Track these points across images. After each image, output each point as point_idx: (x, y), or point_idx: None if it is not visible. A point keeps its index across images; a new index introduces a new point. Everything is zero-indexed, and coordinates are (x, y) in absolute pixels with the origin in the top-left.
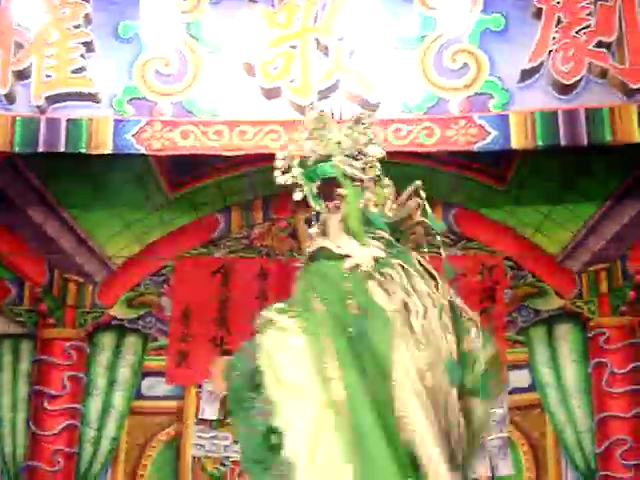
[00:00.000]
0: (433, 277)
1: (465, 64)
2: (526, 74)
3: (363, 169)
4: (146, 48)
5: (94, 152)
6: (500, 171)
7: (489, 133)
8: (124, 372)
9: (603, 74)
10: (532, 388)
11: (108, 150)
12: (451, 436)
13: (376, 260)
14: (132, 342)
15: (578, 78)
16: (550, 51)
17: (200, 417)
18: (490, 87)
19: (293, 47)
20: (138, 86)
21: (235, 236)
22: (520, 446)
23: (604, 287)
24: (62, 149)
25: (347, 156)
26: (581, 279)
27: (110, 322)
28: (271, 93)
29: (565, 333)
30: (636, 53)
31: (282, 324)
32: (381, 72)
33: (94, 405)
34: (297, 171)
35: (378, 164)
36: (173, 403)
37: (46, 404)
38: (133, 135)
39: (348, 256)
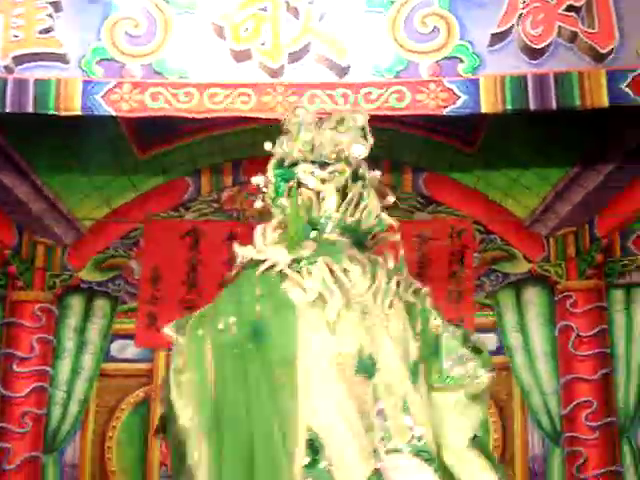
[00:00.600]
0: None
1: (435, 28)
2: (496, 38)
3: (323, 180)
4: (115, 9)
5: (63, 113)
6: (469, 135)
7: (459, 97)
8: (93, 335)
9: (572, 38)
10: (500, 351)
11: (77, 111)
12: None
13: (297, 260)
14: (101, 305)
15: (548, 42)
16: (520, 15)
17: None
18: (460, 51)
19: (263, 9)
20: (107, 47)
21: (205, 199)
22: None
23: (571, 251)
24: (30, 110)
25: (313, 162)
26: (549, 243)
27: (79, 285)
28: (241, 55)
29: (533, 296)
30: (605, 17)
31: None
32: (351, 35)
33: (63, 367)
34: (271, 173)
35: (350, 169)
36: (143, 366)
37: (15, 366)
38: (102, 96)
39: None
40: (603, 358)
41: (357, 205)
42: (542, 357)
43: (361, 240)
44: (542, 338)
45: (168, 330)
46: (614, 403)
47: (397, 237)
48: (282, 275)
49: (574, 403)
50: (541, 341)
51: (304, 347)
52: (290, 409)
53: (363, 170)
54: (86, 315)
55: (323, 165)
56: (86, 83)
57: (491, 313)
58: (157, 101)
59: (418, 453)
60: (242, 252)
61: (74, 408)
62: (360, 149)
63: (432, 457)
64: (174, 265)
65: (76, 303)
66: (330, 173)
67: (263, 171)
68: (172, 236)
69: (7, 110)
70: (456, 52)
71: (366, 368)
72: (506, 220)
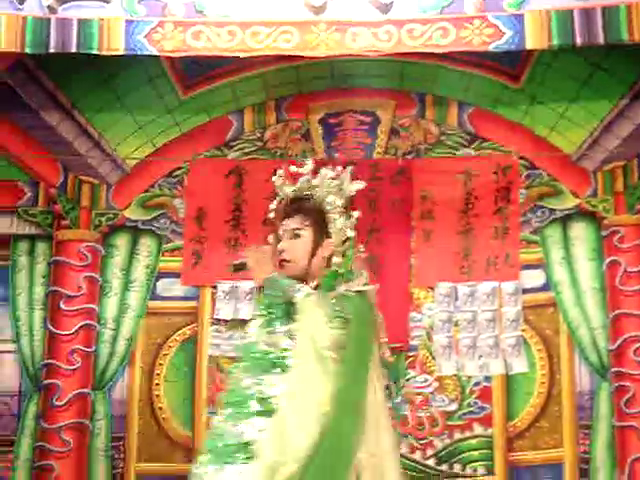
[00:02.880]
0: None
1: None
2: None
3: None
4: None
5: (106, 53)
6: (515, 69)
7: (504, 33)
8: (139, 273)
9: None
10: (546, 287)
11: (120, 51)
12: None
13: None
14: (147, 243)
15: None
16: None
17: (216, 317)
18: None
19: None
20: None
21: (248, 138)
22: (534, 344)
23: (619, 186)
24: (74, 49)
25: None
26: (596, 178)
27: (124, 224)
28: None
29: (580, 232)
30: None
31: None
32: None
33: (110, 306)
34: None
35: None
36: (188, 304)
37: (62, 304)
38: (145, 36)
39: None
40: None
41: None
42: (589, 292)
43: None
44: (589, 274)
45: None
46: None
47: None
48: None
49: (622, 338)
50: (588, 277)
51: None
52: None
53: None
54: (132, 253)
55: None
56: (129, 23)
57: (537, 249)
58: (199, 40)
59: None
60: None
61: (122, 345)
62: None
63: None
64: (218, 204)
65: (122, 242)
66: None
67: (306, 109)
68: (216, 175)
69: (51, 50)
70: None
71: None
72: (553, 155)
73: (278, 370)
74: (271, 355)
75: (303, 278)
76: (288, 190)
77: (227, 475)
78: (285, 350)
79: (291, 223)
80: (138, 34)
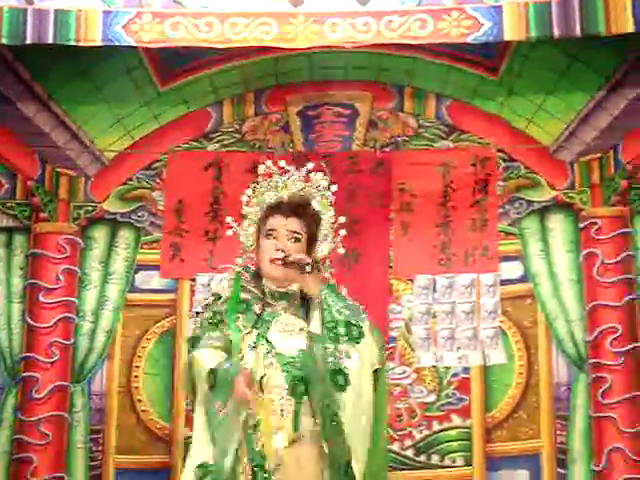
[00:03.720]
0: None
1: None
2: None
3: None
4: None
5: (83, 44)
6: (493, 62)
7: (482, 25)
8: (118, 266)
9: None
10: (524, 279)
11: (97, 42)
12: None
13: None
14: (125, 236)
15: None
16: None
17: (194, 310)
18: None
19: None
20: None
21: (227, 130)
22: (512, 335)
23: (596, 177)
24: (50, 40)
25: None
26: (573, 170)
27: (103, 216)
28: None
29: (557, 224)
30: None
31: None
32: None
33: (89, 298)
34: None
35: None
36: (167, 296)
37: (41, 297)
38: (122, 27)
39: None
40: (628, 284)
41: None
42: (567, 284)
43: None
44: (567, 265)
45: None
46: (639, 329)
47: None
48: None
49: (599, 329)
50: (566, 268)
51: None
52: None
53: None
54: (110, 246)
55: None
56: (106, 13)
57: (515, 241)
58: (177, 31)
59: None
60: None
61: (101, 338)
62: None
63: None
64: (197, 196)
65: (100, 234)
66: None
67: (284, 101)
68: (195, 167)
69: (27, 41)
70: None
71: None
72: (530, 147)
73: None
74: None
75: (292, 282)
76: (283, 189)
77: None
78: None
79: (291, 225)
80: (116, 25)
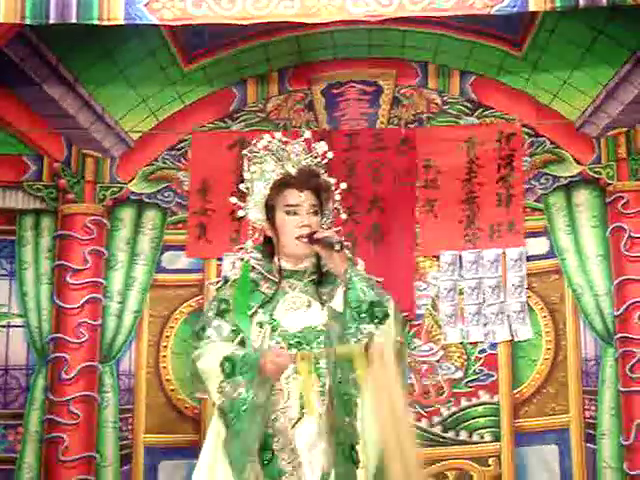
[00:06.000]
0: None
1: None
2: None
3: None
4: None
5: (105, 23)
6: (517, 37)
7: None
8: (144, 246)
9: None
10: (550, 254)
11: (120, 21)
12: None
13: None
14: (151, 216)
15: None
16: None
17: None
18: None
19: None
20: None
21: (251, 109)
22: (539, 311)
23: (622, 152)
24: (73, 20)
25: None
26: (599, 144)
27: (129, 197)
28: None
29: (584, 199)
30: None
31: None
32: None
33: (116, 279)
34: None
35: None
36: (194, 276)
37: (69, 278)
38: (144, 5)
39: None
40: None
41: None
42: (594, 259)
43: None
44: (594, 240)
45: None
46: None
47: None
48: None
49: (627, 304)
50: (593, 243)
51: None
52: None
53: None
54: (137, 227)
55: None
56: None
57: (541, 217)
58: (200, 8)
59: None
60: None
61: (128, 318)
62: None
63: None
64: (222, 176)
65: (126, 215)
66: None
67: (308, 79)
68: (220, 147)
69: (51, 21)
70: None
71: None
72: (555, 122)
73: None
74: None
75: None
76: (288, 162)
77: None
78: None
79: (309, 198)
80: (138, 3)
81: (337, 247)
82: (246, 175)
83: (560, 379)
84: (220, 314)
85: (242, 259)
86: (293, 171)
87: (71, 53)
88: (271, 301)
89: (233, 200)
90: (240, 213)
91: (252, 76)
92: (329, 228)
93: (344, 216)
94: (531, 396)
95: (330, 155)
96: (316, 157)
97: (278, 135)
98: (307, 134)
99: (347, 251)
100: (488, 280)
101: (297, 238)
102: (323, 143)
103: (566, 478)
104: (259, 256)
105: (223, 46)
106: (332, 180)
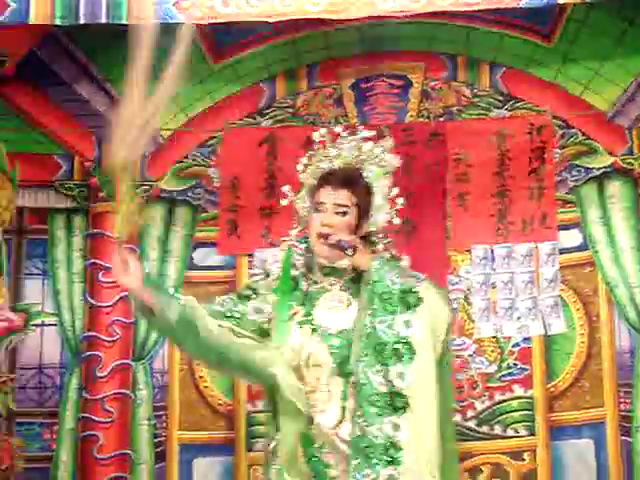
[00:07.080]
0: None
1: None
2: None
3: None
4: None
5: (135, 22)
6: (547, 28)
7: None
8: (176, 243)
9: None
10: (583, 247)
11: (149, 20)
12: None
13: None
14: (182, 213)
15: None
16: None
17: None
18: None
19: None
20: None
21: (280, 105)
22: (572, 304)
23: None
24: (103, 20)
25: None
26: (631, 135)
27: (159, 194)
28: None
29: (616, 190)
30: None
31: None
32: None
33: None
34: None
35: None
36: (225, 273)
37: (101, 277)
38: (173, 4)
39: None
40: None
41: None
42: (627, 251)
43: None
44: (627, 232)
45: None
46: None
47: None
48: None
49: None
50: (626, 235)
51: None
52: None
53: None
54: (168, 224)
55: None
56: None
57: (574, 209)
58: (228, 6)
59: None
60: None
61: None
62: None
63: None
64: (252, 172)
65: (157, 213)
66: None
67: (336, 74)
68: (250, 143)
69: (81, 21)
70: None
71: None
72: (587, 114)
73: (403, 359)
74: (390, 341)
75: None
76: (337, 158)
77: None
78: (405, 339)
79: (339, 197)
80: (167, 2)
81: (349, 252)
82: (299, 167)
83: (595, 372)
84: (240, 297)
85: (285, 249)
86: (336, 168)
87: (100, 52)
88: (312, 299)
89: (285, 188)
90: (282, 202)
91: (281, 72)
92: (380, 233)
93: (397, 221)
94: (566, 390)
95: (389, 157)
96: (371, 155)
97: (338, 129)
98: (365, 133)
99: (382, 245)
100: (521, 275)
101: (318, 236)
102: (390, 140)
103: (602, 472)
104: (303, 247)
105: (251, 43)
106: (384, 179)
